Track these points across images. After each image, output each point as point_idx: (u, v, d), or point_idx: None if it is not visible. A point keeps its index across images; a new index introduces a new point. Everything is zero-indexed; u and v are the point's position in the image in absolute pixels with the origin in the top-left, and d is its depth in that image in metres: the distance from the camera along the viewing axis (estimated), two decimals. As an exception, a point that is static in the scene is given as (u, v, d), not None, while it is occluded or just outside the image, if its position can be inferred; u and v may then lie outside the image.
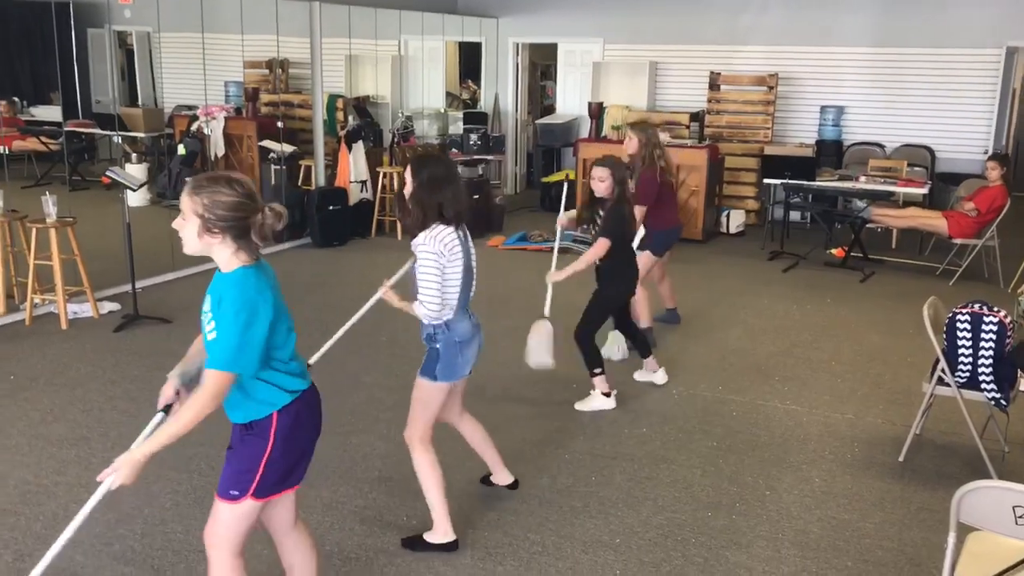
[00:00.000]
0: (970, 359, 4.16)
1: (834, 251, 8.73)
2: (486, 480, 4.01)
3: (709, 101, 10.51)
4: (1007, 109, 10.02)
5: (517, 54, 12.23)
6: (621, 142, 6.47)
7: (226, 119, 11.37)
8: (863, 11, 10.13)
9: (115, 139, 11.23)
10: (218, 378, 2.39)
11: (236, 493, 2.55)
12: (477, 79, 13.05)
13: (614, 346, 5.71)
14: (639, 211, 5.65)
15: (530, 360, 4.70)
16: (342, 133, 9.98)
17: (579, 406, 4.98)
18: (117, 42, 12.66)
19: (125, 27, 12.68)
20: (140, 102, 12.78)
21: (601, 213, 4.84)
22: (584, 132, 11.37)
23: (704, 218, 9.38)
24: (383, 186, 9.50)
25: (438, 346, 3.39)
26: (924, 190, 8.86)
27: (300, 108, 11.65)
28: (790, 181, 8.86)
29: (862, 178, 8.86)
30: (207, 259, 2.52)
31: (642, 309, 5.90)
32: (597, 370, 4.96)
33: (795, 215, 9.98)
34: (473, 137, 10.98)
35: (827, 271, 8.30)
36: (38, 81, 12.92)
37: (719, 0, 10.73)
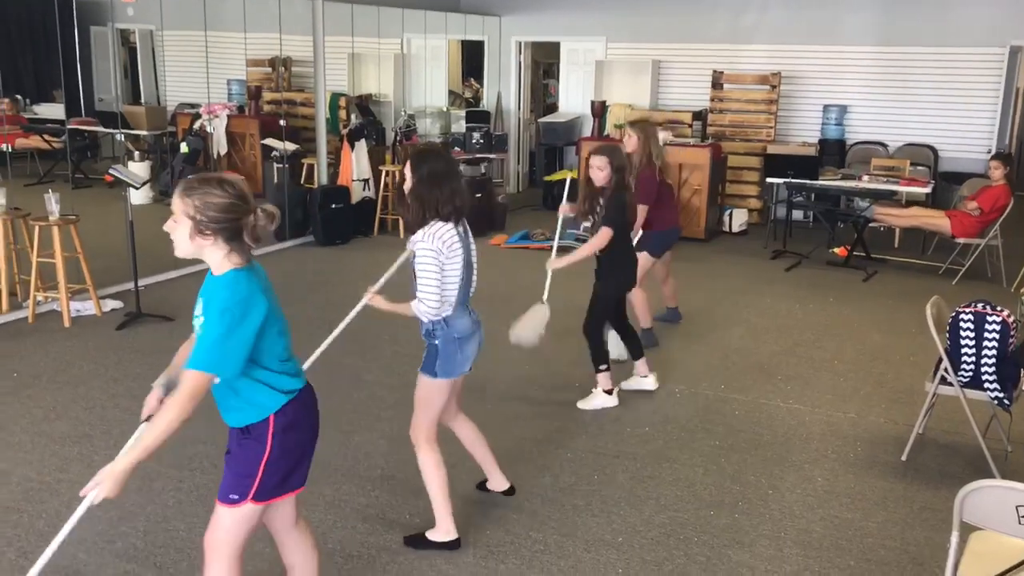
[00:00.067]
0: (973, 358, 4.16)
1: (837, 250, 8.72)
2: (482, 486, 3.95)
3: (712, 100, 10.50)
4: (1010, 108, 10.01)
5: (520, 52, 12.23)
6: (622, 140, 6.45)
7: (229, 117, 11.39)
8: (866, 10, 10.13)
9: (118, 137, 11.23)
10: (196, 379, 2.35)
11: (236, 497, 2.53)
12: (480, 77, 13.05)
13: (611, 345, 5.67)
14: (641, 210, 5.65)
15: (513, 333, 4.61)
16: (345, 131, 9.99)
17: (581, 405, 4.98)
18: (120, 40, 12.68)
19: (128, 25, 12.69)
20: (143, 100, 12.79)
21: (602, 202, 4.78)
22: (587, 131, 11.38)
23: (707, 217, 9.37)
24: (385, 184, 9.50)
25: (437, 342, 3.37)
26: (927, 189, 8.85)
27: (303, 106, 11.65)
28: (793, 180, 8.85)
29: (865, 177, 8.85)
30: (207, 258, 2.51)
31: (642, 310, 5.90)
32: (603, 366, 4.94)
33: (798, 214, 9.98)
34: (476, 136, 10.98)
35: (830, 270, 8.30)
36: (41, 79, 12.92)
37: (722, -1, 10.74)
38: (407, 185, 3.33)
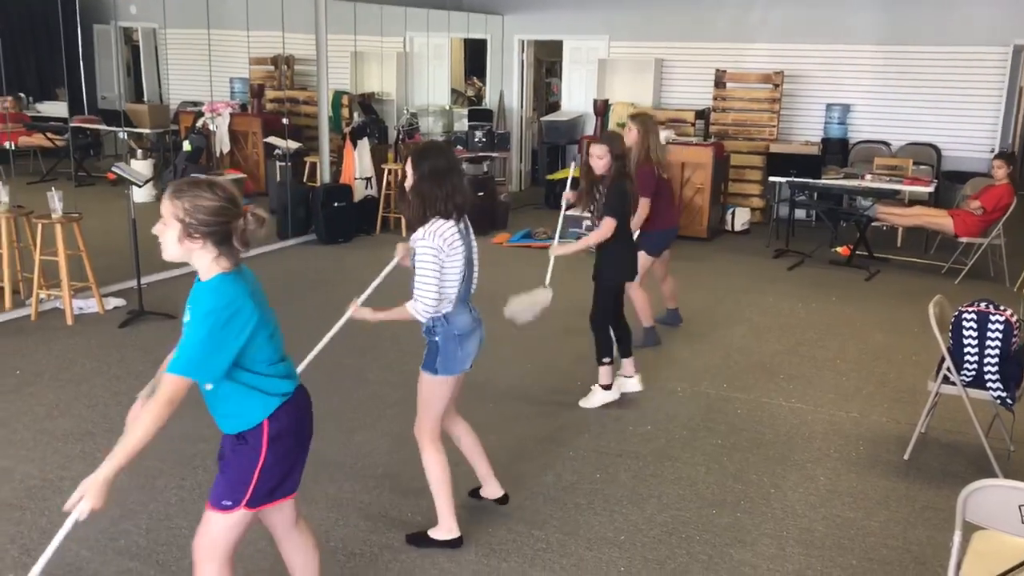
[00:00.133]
0: (976, 358, 4.15)
1: (839, 249, 8.72)
2: (475, 493, 3.84)
3: (715, 99, 10.50)
4: (1014, 107, 10.00)
5: (523, 51, 12.22)
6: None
7: (231, 115, 11.40)
8: (869, 9, 10.12)
9: (121, 135, 11.25)
10: (174, 383, 2.31)
11: (229, 503, 2.49)
12: (482, 76, 13.06)
13: None
14: (643, 203, 5.60)
15: (509, 308, 4.56)
16: (347, 130, 10.01)
17: (583, 403, 4.97)
18: (123, 38, 12.71)
19: (131, 23, 12.72)
20: (146, 98, 12.83)
21: (602, 190, 4.75)
22: (589, 129, 11.38)
23: (709, 216, 9.37)
24: (388, 183, 9.50)
25: (437, 339, 3.34)
26: (930, 188, 8.84)
27: (305, 104, 11.68)
28: (795, 179, 8.84)
29: (868, 176, 8.85)
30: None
31: (643, 309, 5.88)
32: (606, 359, 4.92)
33: (800, 213, 9.97)
34: (478, 134, 10.99)
35: (832, 269, 8.29)
36: (44, 77, 12.96)
37: (725, -3, 10.73)
38: (408, 182, 3.30)
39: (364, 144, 9.55)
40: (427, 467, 3.46)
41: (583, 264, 4.86)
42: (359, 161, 9.48)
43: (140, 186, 6.49)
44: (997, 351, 4.10)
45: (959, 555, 2.67)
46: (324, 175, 9.40)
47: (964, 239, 8.00)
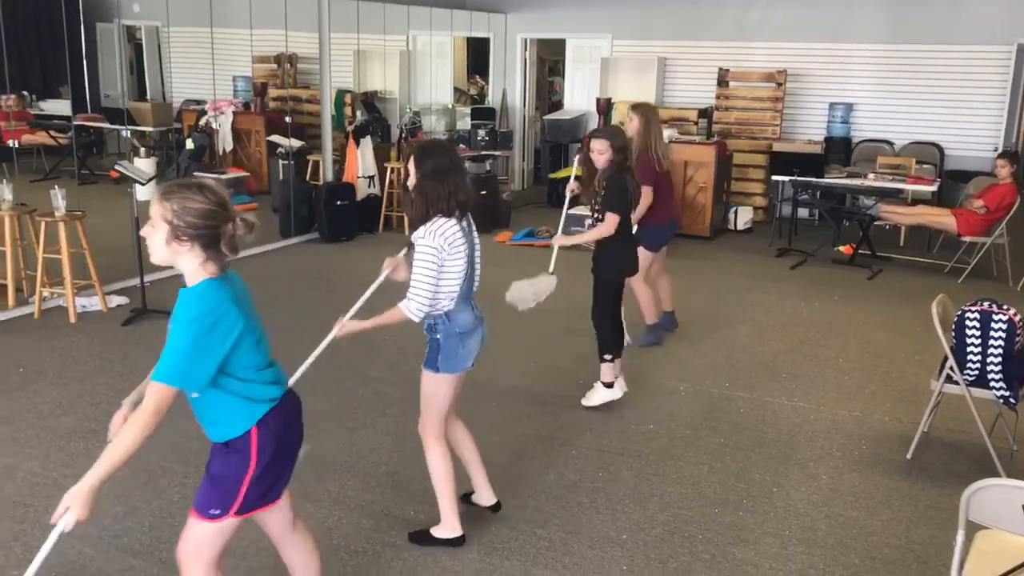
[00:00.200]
0: (979, 357, 4.15)
1: (842, 248, 8.71)
2: (466, 498, 3.78)
3: (717, 97, 10.49)
4: (1017, 106, 9.97)
5: (525, 49, 12.22)
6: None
7: (234, 114, 11.41)
8: (872, 7, 10.10)
9: (124, 133, 11.26)
10: (160, 392, 2.26)
11: (217, 512, 2.46)
12: (485, 74, 13.06)
13: None
14: (646, 192, 5.51)
15: (510, 293, 4.54)
16: (350, 128, 10.00)
17: (585, 402, 4.95)
18: (126, 36, 12.71)
19: (134, 21, 12.72)
20: (149, 96, 12.83)
21: (604, 184, 4.71)
22: (592, 128, 11.37)
23: (712, 214, 9.36)
24: (391, 181, 9.50)
25: (438, 336, 3.33)
26: (933, 187, 8.83)
27: (308, 103, 11.68)
28: (798, 178, 8.84)
29: (871, 175, 8.84)
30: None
31: (647, 306, 5.87)
32: (607, 356, 4.87)
33: (803, 212, 9.96)
34: (481, 133, 10.99)
35: (835, 268, 8.29)
36: (47, 75, 12.97)
37: (728, -4, 10.72)
38: (411, 181, 3.28)
39: (367, 143, 9.55)
40: (431, 465, 3.45)
41: (584, 263, 4.85)
42: (362, 160, 9.48)
43: (143, 184, 6.49)
44: (1000, 350, 4.09)
45: (962, 554, 2.67)
46: (327, 173, 9.40)
47: (967, 238, 8.00)
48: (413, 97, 11.99)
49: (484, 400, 4.91)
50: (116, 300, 6.61)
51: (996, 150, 9.39)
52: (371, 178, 9.56)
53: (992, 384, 4.13)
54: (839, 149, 10.12)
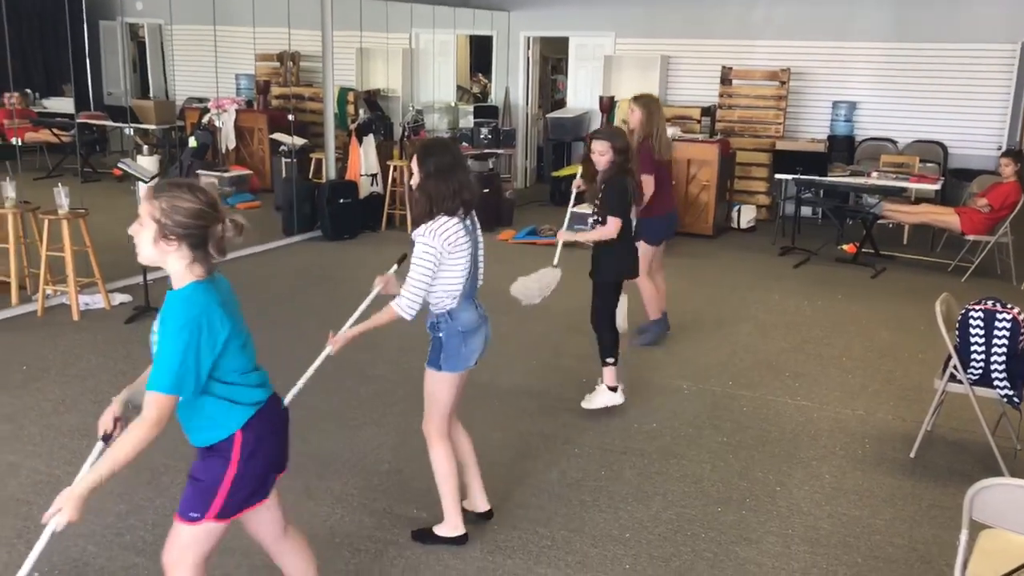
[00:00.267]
0: (983, 356, 4.14)
1: (845, 247, 8.69)
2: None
3: (721, 96, 10.47)
4: (1021, 104, 9.94)
5: (528, 48, 12.21)
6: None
7: (237, 112, 11.42)
8: (876, 6, 10.08)
9: (127, 131, 11.26)
10: (160, 401, 2.24)
11: (196, 515, 2.43)
12: (488, 73, 13.06)
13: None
14: (647, 180, 5.44)
15: (515, 287, 4.53)
16: (353, 126, 10.00)
17: (585, 404, 4.88)
18: (129, 34, 12.71)
19: (137, 19, 12.72)
20: (152, 94, 12.83)
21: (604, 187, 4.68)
22: (595, 126, 11.36)
23: (715, 213, 9.35)
24: (393, 180, 9.50)
25: (441, 335, 3.32)
26: (936, 186, 8.81)
27: (311, 101, 11.68)
28: (802, 176, 8.82)
29: (874, 174, 8.82)
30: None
31: (650, 301, 5.85)
32: (609, 359, 4.83)
33: (806, 211, 9.95)
34: (483, 131, 10.98)
35: (838, 267, 8.28)
36: (50, 73, 12.99)
37: (731, -6, 10.71)
38: (414, 180, 3.26)
39: (370, 141, 9.55)
40: (434, 463, 3.45)
41: (584, 263, 4.84)
42: (365, 158, 9.48)
43: (146, 182, 6.48)
44: (1004, 349, 4.08)
45: (966, 553, 2.66)
46: (330, 171, 9.40)
47: (971, 237, 7.98)
48: (416, 95, 11.99)
49: (486, 398, 4.91)
50: (119, 298, 6.62)
51: (1000, 148, 9.38)
52: (374, 176, 9.56)
53: (996, 383, 4.13)
54: (842, 147, 10.10)
